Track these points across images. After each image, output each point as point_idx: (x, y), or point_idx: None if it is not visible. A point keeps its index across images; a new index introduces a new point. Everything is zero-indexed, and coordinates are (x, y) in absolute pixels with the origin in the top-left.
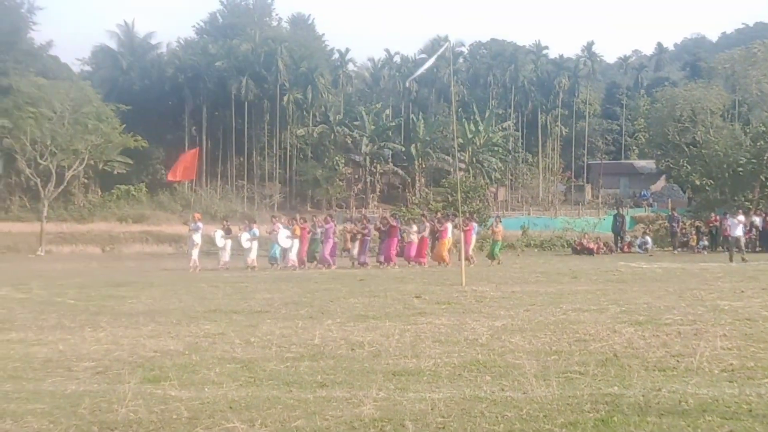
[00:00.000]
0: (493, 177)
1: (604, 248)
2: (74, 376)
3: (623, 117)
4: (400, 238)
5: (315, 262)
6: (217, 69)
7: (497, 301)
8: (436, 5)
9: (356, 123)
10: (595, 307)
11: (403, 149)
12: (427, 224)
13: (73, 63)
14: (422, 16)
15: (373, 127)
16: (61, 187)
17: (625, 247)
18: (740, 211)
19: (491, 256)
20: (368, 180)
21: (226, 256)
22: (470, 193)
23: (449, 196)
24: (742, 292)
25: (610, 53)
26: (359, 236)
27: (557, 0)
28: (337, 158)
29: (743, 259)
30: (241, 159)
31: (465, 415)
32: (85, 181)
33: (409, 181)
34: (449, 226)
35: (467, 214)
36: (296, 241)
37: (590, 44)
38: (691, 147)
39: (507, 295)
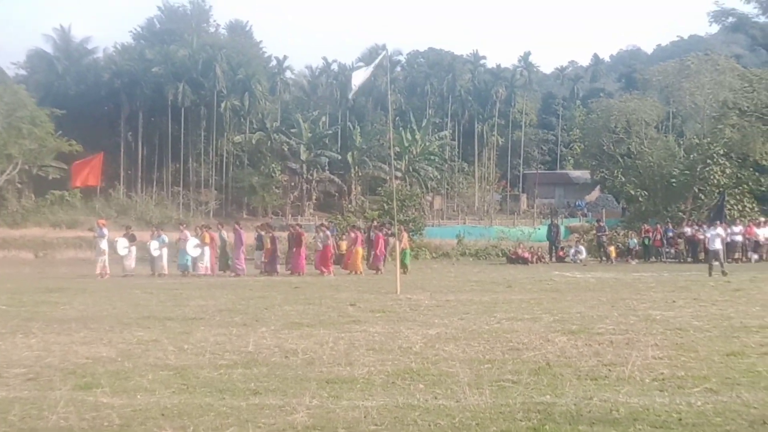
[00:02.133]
0: (429, 186)
1: (539, 257)
2: (5, 383)
3: (559, 127)
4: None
5: (227, 270)
6: (153, 74)
7: (432, 309)
8: (374, 14)
9: (293, 130)
10: (528, 316)
11: (340, 157)
12: (329, 233)
13: (7, 67)
14: (360, 25)
15: (310, 134)
16: None
17: (560, 254)
18: (719, 223)
19: (403, 264)
20: (304, 188)
21: (131, 263)
22: (406, 202)
23: (385, 204)
24: (674, 302)
25: (546, 64)
26: (266, 244)
27: (495, 10)
28: (273, 165)
29: (723, 273)
30: (177, 165)
31: (398, 423)
32: (19, 185)
33: (346, 189)
34: (360, 236)
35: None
36: (206, 249)
37: (527, 54)
38: (625, 158)
39: (441, 303)
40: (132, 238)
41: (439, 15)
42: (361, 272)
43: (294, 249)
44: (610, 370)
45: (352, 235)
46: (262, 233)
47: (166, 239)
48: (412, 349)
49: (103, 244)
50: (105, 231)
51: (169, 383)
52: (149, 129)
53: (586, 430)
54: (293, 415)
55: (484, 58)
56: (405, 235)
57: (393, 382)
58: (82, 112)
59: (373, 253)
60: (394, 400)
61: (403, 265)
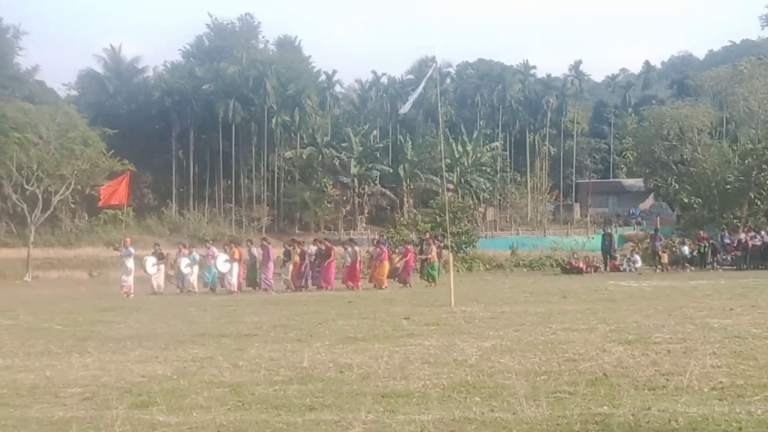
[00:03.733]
0: (481, 197)
1: (594, 267)
2: (61, 402)
3: (611, 136)
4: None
5: (256, 287)
6: (204, 92)
7: (486, 321)
8: (423, 26)
9: (344, 145)
10: (584, 326)
11: (391, 170)
12: (357, 248)
13: (59, 88)
14: (409, 37)
15: (360, 148)
16: (48, 212)
17: (614, 263)
18: None
19: (431, 278)
20: (356, 202)
21: (160, 281)
22: (458, 214)
23: (437, 216)
24: (732, 309)
25: (597, 72)
26: (295, 259)
27: (544, 19)
28: (324, 180)
29: None
30: (229, 182)
31: None
32: (72, 206)
33: (398, 202)
34: (386, 250)
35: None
36: (235, 265)
37: (578, 63)
38: (678, 165)
39: (496, 315)
40: (160, 257)
41: (489, 26)
42: (385, 286)
43: (323, 263)
44: (667, 379)
45: (378, 249)
46: (290, 248)
47: (198, 257)
48: (467, 361)
49: (129, 263)
50: (131, 250)
51: (224, 400)
52: (200, 146)
53: None
54: (349, 430)
55: (534, 67)
56: (433, 248)
57: (449, 396)
58: (133, 131)
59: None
60: (450, 413)
61: (431, 277)
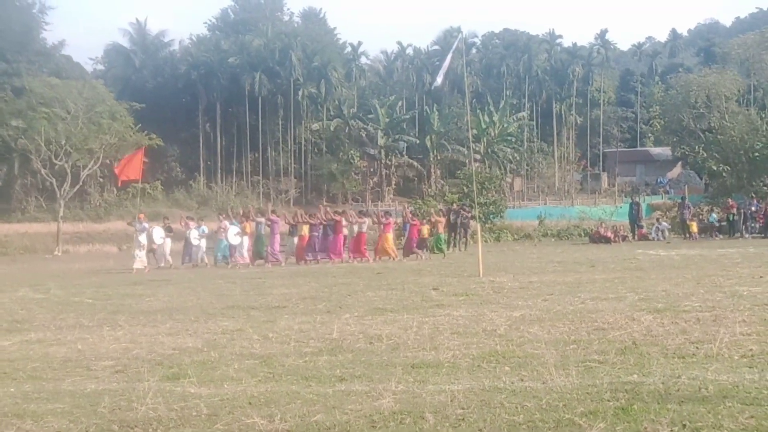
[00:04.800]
0: (508, 167)
1: (622, 236)
2: (93, 375)
3: (638, 104)
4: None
5: (264, 260)
6: (230, 65)
7: (515, 291)
8: None
9: (370, 116)
10: (613, 295)
11: (418, 141)
12: (366, 219)
13: (85, 62)
14: (434, 7)
15: (387, 120)
16: (77, 186)
17: (642, 232)
18: None
19: (438, 249)
20: (383, 173)
21: (166, 254)
22: (486, 184)
23: (465, 187)
24: (761, 277)
25: (623, 40)
26: (302, 232)
27: None
28: (351, 152)
29: None
30: (256, 155)
31: (485, 406)
32: (101, 180)
33: (425, 173)
34: (392, 220)
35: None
36: (245, 238)
37: (604, 32)
38: (706, 133)
39: (525, 285)
40: (169, 229)
41: None
42: (395, 257)
43: (332, 235)
44: (697, 347)
45: (384, 220)
46: (296, 221)
47: (206, 229)
48: (496, 331)
49: (143, 238)
50: (145, 225)
51: (255, 372)
52: (227, 119)
53: (675, 408)
54: (379, 400)
55: (560, 37)
56: (442, 220)
57: (478, 365)
58: (160, 105)
59: (406, 239)
60: (480, 383)
61: (439, 250)
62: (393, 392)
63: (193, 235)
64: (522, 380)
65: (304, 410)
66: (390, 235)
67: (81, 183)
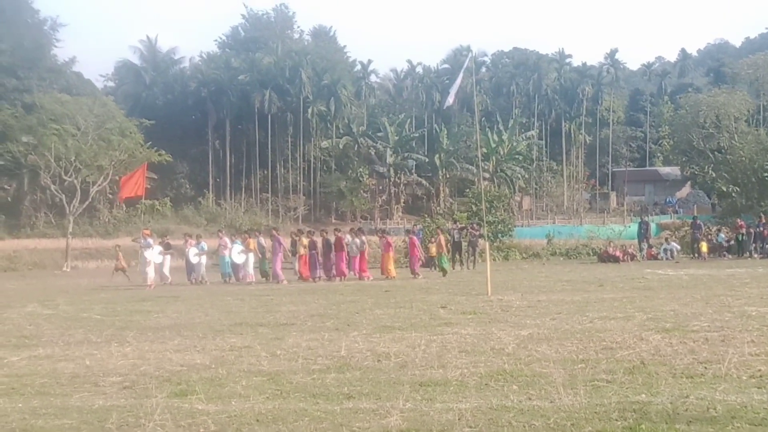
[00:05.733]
0: (517, 186)
1: (630, 256)
2: (101, 391)
3: (647, 124)
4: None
5: (268, 278)
6: (239, 82)
7: (523, 310)
8: (458, 15)
9: (379, 134)
10: (621, 314)
11: (427, 160)
12: (364, 238)
13: (96, 79)
14: (444, 26)
15: (396, 138)
16: (86, 202)
17: (650, 252)
18: None
19: (441, 268)
20: (392, 191)
21: (166, 271)
22: (494, 203)
23: (473, 206)
24: None
25: (633, 60)
26: (301, 250)
27: (580, 8)
28: (360, 170)
29: None
30: (265, 172)
31: (492, 425)
32: (110, 196)
33: (434, 191)
34: (391, 240)
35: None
36: (251, 255)
37: (613, 51)
38: (715, 153)
39: (533, 304)
40: (167, 246)
41: (524, 14)
42: (394, 276)
43: (334, 254)
44: (706, 367)
45: (386, 240)
46: (296, 239)
47: (206, 247)
48: (504, 350)
49: (149, 254)
50: (150, 241)
51: (262, 389)
52: (236, 136)
53: (683, 428)
54: (387, 418)
55: (569, 56)
56: (441, 237)
57: (486, 384)
58: (170, 122)
59: (409, 257)
60: (487, 401)
61: (441, 269)
62: (401, 410)
63: (192, 253)
64: (530, 399)
65: (311, 428)
66: (391, 255)
67: (90, 199)
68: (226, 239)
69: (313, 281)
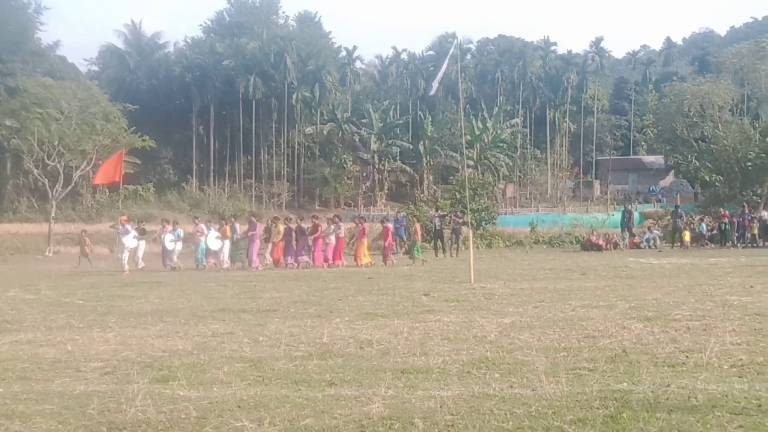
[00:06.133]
0: (501, 174)
1: (614, 244)
2: (83, 377)
3: (631, 112)
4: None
5: (242, 264)
6: (224, 68)
7: (506, 298)
8: (444, 2)
9: (364, 121)
10: (603, 303)
11: (411, 147)
12: (342, 225)
13: (80, 63)
14: (429, 13)
15: (380, 124)
16: (69, 187)
17: (633, 240)
18: None
19: (412, 256)
20: (376, 178)
21: (139, 257)
22: (478, 190)
23: (457, 193)
24: (752, 287)
25: (618, 48)
26: (275, 237)
27: None
28: (345, 156)
29: None
30: (249, 158)
31: (474, 412)
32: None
33: (417, 178)
34: (366, 226)
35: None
36: (227, 242)
37: (599, 39)
38: (699, 142)
39: (515, 292)
40: (142, 232)
41: (509, 2)
42: (369, 263)
43: (309, 240)
44: (687, 356)
45: (360, 227)
46: (272, 226)
47: (182, 233)
48: (486, 338)
49: (126, 240)
50: (128, 227)
51: (244, 375)
52: (221, 122)
53: (664, 417)
54: (369, 405)
55: (554, 44)
56: (418, 226)
57: (468, 372)
58: (154, 107)
59: (382, 245)
60: (469, 389)
61: (414, 257)
62: (382, 397)
63: (168, 239)
64: (512, 387)
65: (293, 414)
66: (365, 241)
67: (73, 184)
68: (202, 225)
69: (285, 266)
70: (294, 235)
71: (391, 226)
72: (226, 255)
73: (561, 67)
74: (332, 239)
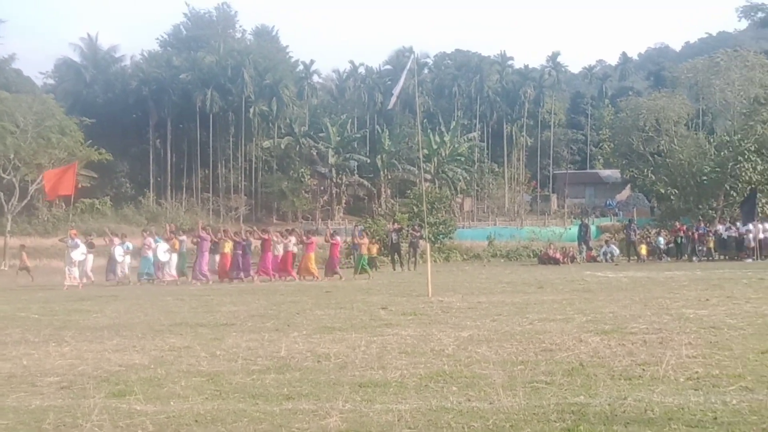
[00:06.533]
0: (458, 187)
1: (571, 258)
2: (38, 392)
3: (588, 127)
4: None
5: (189, 277)
6: (181, 81)
7: (463, 311)
8: (401, 16)
9: (321, 135)
10: (561, 316)
11: (369, 161)
12: (292, 238)
13: (36, 76)
14: (386, 27)
15: (338, 138)
16: (25, 201)
17: (590, 254)
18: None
19: (359, 270)
20: (334, 192)
21: (88, 270)
22: (436, 204)
23: (415, 207)
24: (707, 300)
25: (574, 63)
26: (223, 250)
27: (522, 11)
28: (302, 170)
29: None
30: (206, 171)
31: (432, 426)
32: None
33: (375, 192)
34: (315, 240)
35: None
36: (174, 255)
37: (555, 54)
38: (655, 156)
39: (473, 305)
40: (90, 245)
41: (466, 16)
42: (312, 277)
43: (261, 254)
44: (644, 369)
45: (307, 240)
46: (220, 239)
47: (131, 246)
48: (444, 351)
49: (75, 254)
50: (78, 241)
51: (202, 389)
52: (178, 136)
53: (620, 430)
54: (326, 419)
55: (511, 58)
56: (366, 240)
57: (426, 385)
58: (110, 121)
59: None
60: (427, 403)
61: (363, 270)
62: (340, 411)
63: (118, 252)
64: (469, 400)
65: (250, 428)
66: (313, 255)
67: (29, 198)
68: (150, 239)
69: (230, 281)
70: (242, 249)
71: (339, 240)
72: (173, 269)
73: (518, 81)
74: (279, 249)
